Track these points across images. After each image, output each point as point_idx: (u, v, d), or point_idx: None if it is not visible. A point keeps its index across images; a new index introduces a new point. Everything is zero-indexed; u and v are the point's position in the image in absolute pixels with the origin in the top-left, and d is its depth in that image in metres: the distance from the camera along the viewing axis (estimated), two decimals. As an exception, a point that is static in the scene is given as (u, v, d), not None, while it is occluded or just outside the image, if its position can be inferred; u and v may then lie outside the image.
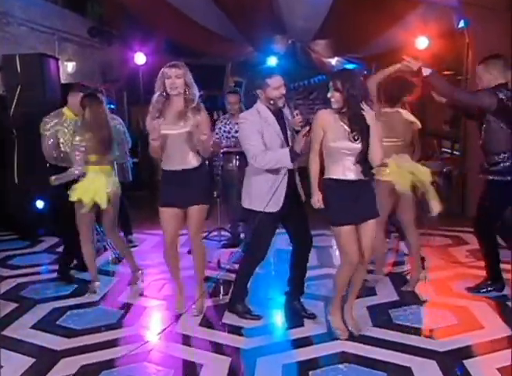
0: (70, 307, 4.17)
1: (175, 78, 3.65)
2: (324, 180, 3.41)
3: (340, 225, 3.34)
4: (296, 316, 3.87)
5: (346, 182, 3.35)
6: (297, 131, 3.49)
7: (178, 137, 3.71)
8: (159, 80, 3.69)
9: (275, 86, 3.57)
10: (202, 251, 4.00)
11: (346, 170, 3.34)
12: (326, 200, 3.38)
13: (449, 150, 8.52)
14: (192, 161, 3.78)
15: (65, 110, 4.68)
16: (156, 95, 3.72)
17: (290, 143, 3.60)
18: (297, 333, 3.65)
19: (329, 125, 3.35)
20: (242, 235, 5.80)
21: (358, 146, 3.31)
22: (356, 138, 3.31)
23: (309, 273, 4.02)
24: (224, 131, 5.79)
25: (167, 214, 3.80)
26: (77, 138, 4.22)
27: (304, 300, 3.97)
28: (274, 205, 3.61)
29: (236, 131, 5.62)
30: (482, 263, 4.32)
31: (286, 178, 3.62)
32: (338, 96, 3.30)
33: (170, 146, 3.74)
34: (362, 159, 3.33)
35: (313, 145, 3.41)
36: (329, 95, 3.33)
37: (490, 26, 6.44)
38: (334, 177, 3.36)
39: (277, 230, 3.80)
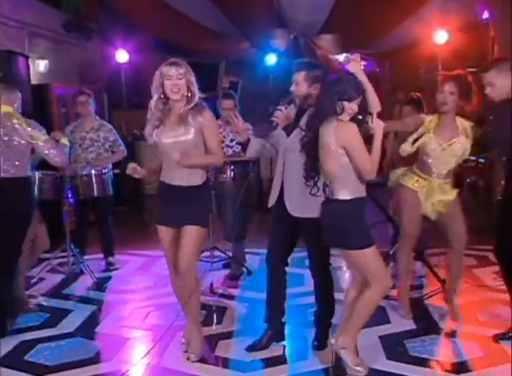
0: (41, 340, 4.14)
1: (177, 79, 3.49)
2: (348, 201, 3.33)
3: (372, 245, 3.35)
4: (300, 346, 3.87)
5: (364, 199, 3.44)
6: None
7: (177, 146, 3.55)
8: (156, 81, 3.53)
9: None
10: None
11: (363, 186, 3.42)
12: (352, 221, 3.33)
13: (473, 158, 8.47)
14: (192, 178, 3.62)
15: None
16: (154, 100, 3.57)
17: None
18: (301, 367, 3.63)
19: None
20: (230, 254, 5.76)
21: None
22: None
23: (313, 299, 3.99)
24: None
25: (163, 233, 3.73)
26: None
27: (307, 328, 3.97)
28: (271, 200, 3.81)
29: (232, 140, 5.62)
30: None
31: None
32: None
33: (168, 156, 3.61)
34: None
35: None
36: (351, 108, 3.27)
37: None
38: (361, 195, 3.39)
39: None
